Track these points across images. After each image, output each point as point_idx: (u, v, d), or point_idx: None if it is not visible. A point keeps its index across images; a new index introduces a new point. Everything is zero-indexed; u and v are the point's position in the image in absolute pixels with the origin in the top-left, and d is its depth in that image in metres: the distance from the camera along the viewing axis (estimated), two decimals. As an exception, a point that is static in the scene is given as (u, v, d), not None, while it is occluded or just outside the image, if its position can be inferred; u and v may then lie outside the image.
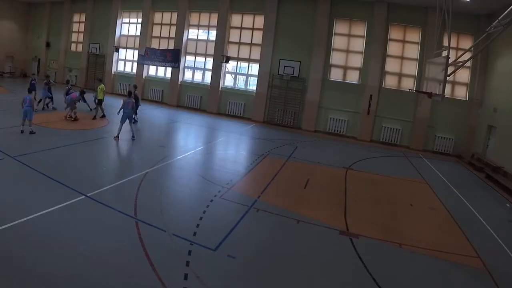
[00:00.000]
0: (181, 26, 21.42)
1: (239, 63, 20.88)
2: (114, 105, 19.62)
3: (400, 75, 17.57)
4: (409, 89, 15.92)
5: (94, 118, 14.75)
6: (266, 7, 19.18)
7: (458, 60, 10.73)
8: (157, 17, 22.95)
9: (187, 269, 4.76)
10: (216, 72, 20.48)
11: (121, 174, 8.53)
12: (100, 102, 15.01)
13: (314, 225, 6.79)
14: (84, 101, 15.53)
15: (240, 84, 20.99)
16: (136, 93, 14.77)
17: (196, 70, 22.05)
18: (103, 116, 15.21)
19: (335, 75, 18.45)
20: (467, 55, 11.64)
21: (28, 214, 5.57)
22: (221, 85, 20.67)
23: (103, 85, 15.45)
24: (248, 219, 6.72)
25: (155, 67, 23.02)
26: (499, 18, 9.81)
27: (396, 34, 17.54)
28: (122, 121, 11.77)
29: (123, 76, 24.34)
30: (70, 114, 13.82)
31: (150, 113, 18.18)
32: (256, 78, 19.84)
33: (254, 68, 20.19)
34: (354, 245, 6.15)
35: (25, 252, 4.63)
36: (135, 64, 23.70)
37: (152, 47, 22.72)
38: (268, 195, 8.13)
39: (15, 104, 16.01)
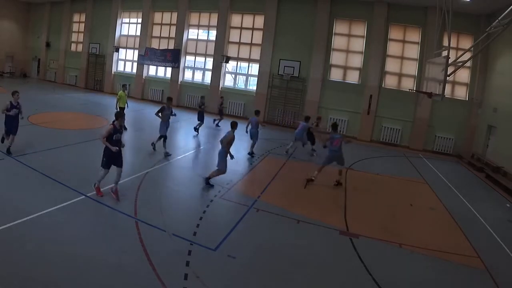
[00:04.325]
0: (181, 26, 21.43)
1: (239, 63, 20.89)
2: (114, 105, 19.64)
3: (400, 75, 17.57)
4: (409, 89, 15.91)
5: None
6: (266, 7, 19.19)
7: (458, 60, 10.71)
8: (157, 17, 22.95)
9: (187, 269, 4.76)
10: (216, 72, 20.49)
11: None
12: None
13: (314, 225, 6.79)
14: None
15: (240, 84, 21.00)
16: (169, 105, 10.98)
17: (196, 70, 22.06)
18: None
19: (335, 75, 18.45)
20: (467, 55, 11.63)
21: (28, 214, 5.56)
22: (221, 85, 20.68)
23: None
24: (248, 219, 6.72)
25: (155, 67, 23.03)
26: (499, 18, 9.81)
27: (396, 34, 17.53)
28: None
29: (123, 76, 24.35)
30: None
31: (150, 113, 18.15)
32: (256, 78, 19.85)
33: (254, 68, 20.20)
34: (354, 245, 6.15)
35: (25, 252, 4.63)
36: (135, 64, 23.72)
37: (152, 47, 22.73)
38: (268, 195, 8.12)
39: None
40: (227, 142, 8.02)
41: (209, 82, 20.95)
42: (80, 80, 25.90)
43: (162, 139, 10.27)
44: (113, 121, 6.72)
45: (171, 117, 10.58)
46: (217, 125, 16.53)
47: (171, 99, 11.18)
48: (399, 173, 11.95)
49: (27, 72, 29.22)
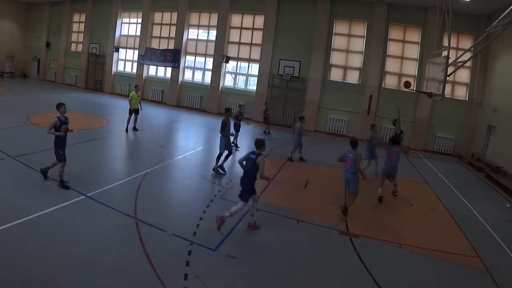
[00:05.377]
0: (181, 26, 21.44)
1: (239, 63, 20.90)
2: (114, 104, 19.69)
3: (400, 75, 17.57)
4: (409, 89, 15.88)
5: None
6: (266, 7, 19.19)
7: (458, 60, 10.71)
8: (157, 17, 22.96)
9: (187, 269, 4.76)
10: (216, 72, 20.49)
11: (121, 174, 8.52)
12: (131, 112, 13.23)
13: (314, 225, 6.79)
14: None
15: (240, 84, 21.00)
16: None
17: (196, 70, 22.06)
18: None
19: (335, 75, 18.45)
20: (467, 55, 11.63)
21: (28, 214, 5.56)
22: (221, 85, 20.68)
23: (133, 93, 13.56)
24: (248, 219, 6.71)
25: (155, 67, 23.04)
26: (499, 18, 9.80)
27: (396, 34, 17.54)
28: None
29: (123, 76, 24.35)
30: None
31: (150, 113, 18.16)
32: (256, 78, 19.85)
33: (254, 68, 20.21)
34: (354, 245, 6.15)
35: (25, 252, 4.63)
36: (135, 64, 23.73)
37: (152, 47, 22.73)
38: (268, 195, 8.13)
39: (15, 104, 16.04)
40: (360, 162, 7.16)
41: (209, 82, 20.95)
42: (80, 80, 25.91)
43: (224, 156, 9.35)
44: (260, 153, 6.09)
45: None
46: (268, 132, 16.21)
47: (230, 110, 9.98)
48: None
49: (27, 72, 29.24)
